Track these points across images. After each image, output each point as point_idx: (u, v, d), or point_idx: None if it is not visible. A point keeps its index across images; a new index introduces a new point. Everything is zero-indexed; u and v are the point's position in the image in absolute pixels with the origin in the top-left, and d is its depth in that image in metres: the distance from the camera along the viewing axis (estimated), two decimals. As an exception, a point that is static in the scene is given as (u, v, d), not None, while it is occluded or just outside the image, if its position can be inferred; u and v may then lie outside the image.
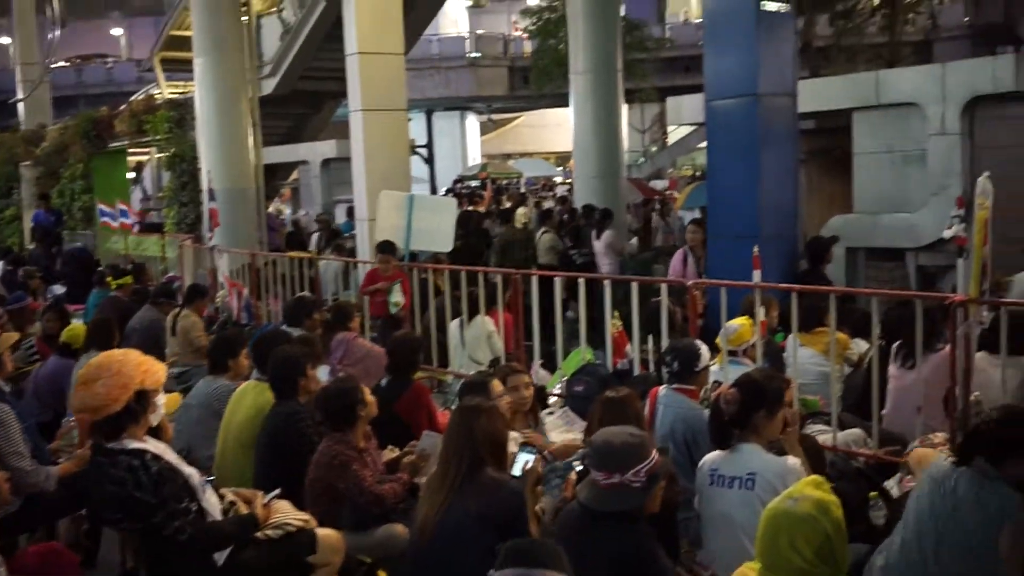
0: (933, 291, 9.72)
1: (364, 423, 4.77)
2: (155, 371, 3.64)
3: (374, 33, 11.26)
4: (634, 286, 6.53)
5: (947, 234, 4.91)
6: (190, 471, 3.64)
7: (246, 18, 15.55)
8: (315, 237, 16.71)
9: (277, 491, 4.27)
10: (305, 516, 4.14)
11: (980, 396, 4.91)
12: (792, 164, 8.49)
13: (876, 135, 10.13)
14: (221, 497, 3.84)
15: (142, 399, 3.59)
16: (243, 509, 3.89)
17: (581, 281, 6.95)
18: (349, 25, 11.32)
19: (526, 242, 14.02)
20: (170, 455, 3.64)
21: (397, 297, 8.66)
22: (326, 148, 19.96)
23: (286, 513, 4.07)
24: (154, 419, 3.68)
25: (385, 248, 9.14)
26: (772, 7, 7.98)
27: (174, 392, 5.14)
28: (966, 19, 35.39)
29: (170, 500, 3.46)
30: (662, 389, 5.10)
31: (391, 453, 5.23)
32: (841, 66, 27.91)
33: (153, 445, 3.63)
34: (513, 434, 4.36)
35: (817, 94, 10.69)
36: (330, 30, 16.76)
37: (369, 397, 4.77)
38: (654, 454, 3.32)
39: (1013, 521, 3.02)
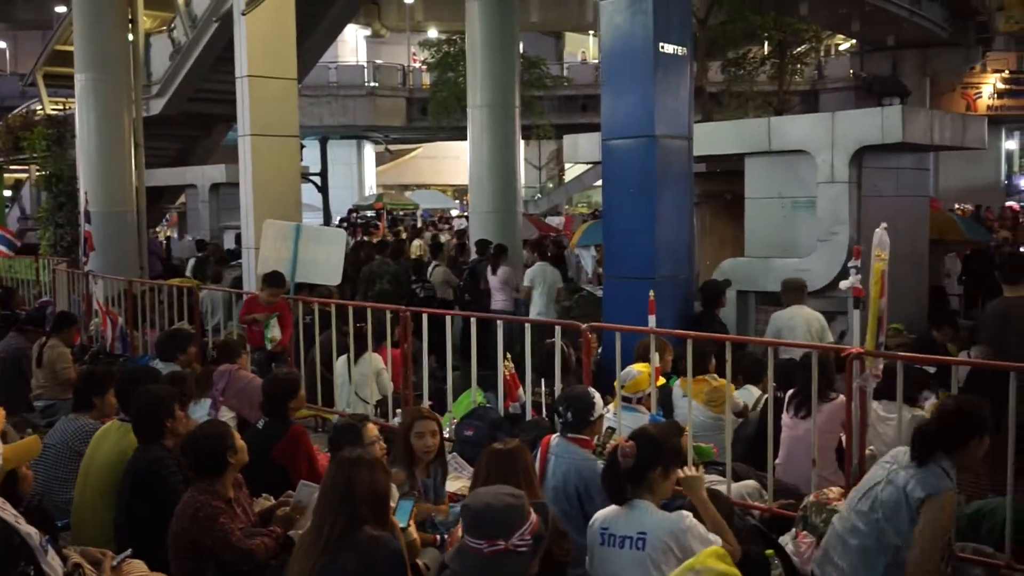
0: (821, 336, 9.86)
1: (234, 471, 4.41)
2: (-11, 419, 3.24)
3: (265, 56, 10.90)
4: (528, 326, 6.34)
5: (844, 285, 4.86)
6: (28, 530, 3.23)
7: (133, 36, 14.95)
8: (191, 263, 16.11)
9: (128, 552, 3.88)
10: (160, 579, 3.77)
11: (875, 451, 4.86)
12: (688, 206, 8.47)
13: (767, 180, 10.23)
14: (64, 559, 3.44)
15: (-27, 450, 3.19)
16: (89, 572, 3.50)
17: (472, 320, 6.72)
18: (240, 46, 10.94)
19: (396, 275, 13.73)
20: (7, 511, 3.24)
21: (274, 332, 8.26)
22: (215, 172, 19.35)
23: (139, 576, 3.69)
24: (-13, 472, 3.28)
25: (272, 281, 8.70)
26: (670, 49, 7.97)
27: (33, 434, 4.68)
28: (851, 71, 36.81)
29: (2, 564, 3.07)
30: (554, 438, 4.89)
31: (266, 502, 4.87)
32: (732, 112, 28.72)
33: (-15, 501, 3.23)
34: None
35: (710, 138, 10.76)
36: (222, 52, 16.32)
37: (240, 443, 4.42)
38: (532, 514, 3.08)
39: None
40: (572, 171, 38.80)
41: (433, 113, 32.34)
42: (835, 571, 3.98)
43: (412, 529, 4.07)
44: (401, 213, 36.79)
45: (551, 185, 45.41)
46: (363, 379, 7.65)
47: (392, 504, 3.91)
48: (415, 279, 13.62)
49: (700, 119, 21.69)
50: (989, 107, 37.19)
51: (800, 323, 8.07)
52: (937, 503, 3.75)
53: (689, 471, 4.03)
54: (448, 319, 6.96)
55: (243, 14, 10.67)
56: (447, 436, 6.47)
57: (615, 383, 5.92)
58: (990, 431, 3.92)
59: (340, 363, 7.86)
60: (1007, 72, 38.95)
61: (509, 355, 6.45)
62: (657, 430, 3.96)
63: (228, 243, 18.46)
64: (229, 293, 10.78)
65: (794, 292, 8.36)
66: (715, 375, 6.41)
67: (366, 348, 7.61)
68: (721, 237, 12.74)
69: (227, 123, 19.99)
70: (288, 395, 5.51)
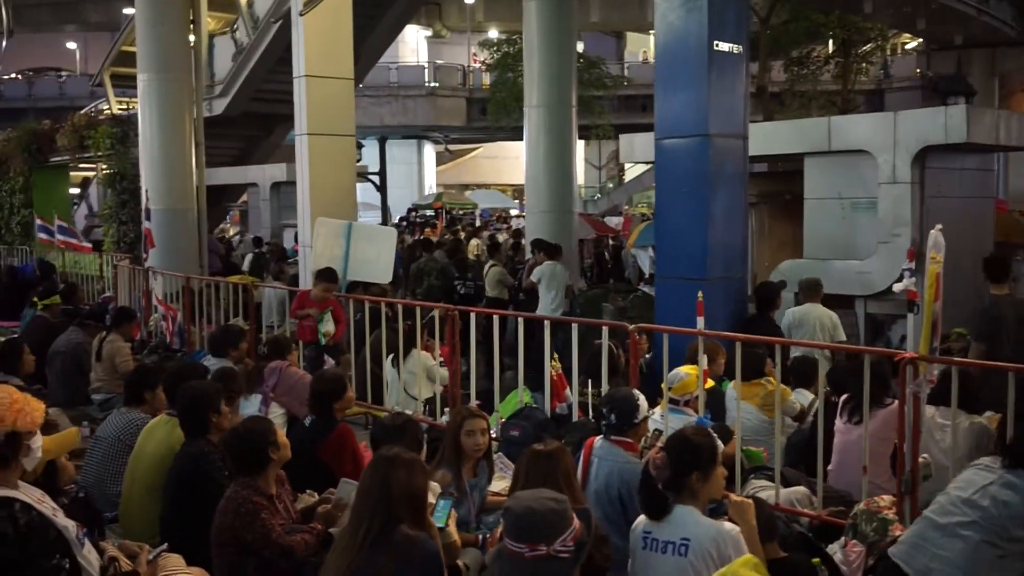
0: (882, 339, 9.64)
1: (276, 467, 4.43)
2: (29, 411, 3.27)
3: (322, 56, 10.97)
4: (575, 327, 6.28)
5: (898, 287, 4.72)
6: (65, 523, 3.26)
7: (195, 37, 15.20)
8: (248, 259, 16.29)
9: (164, 546, 3.91)
10: (196, 572, 3.78)
11: (928, 458, 4.71)
12: (742, 206, 8.33)
13: (827, 181, 10.06)
14: (101, 552, 3.47)
15: (13, 441, 3.22)
16: (125, 566, 3.52)
17: (520, 320, 6.68)
18: (297, 47, 11.03)
19: (442, 271, 13.75)
20: (45, 504, 3.27)
21: (328, 327, 8.28)
22: (275, 171, 19.61)
23: (175, 570, 3.71)
24: (28, 464, 3.31)
25: (326, 276, 8.73)
26: (725, 47, 7.84)
27: (72, 427, 4.76)
28: (918, 70, 36.05)
29: (38, 557, 3.10)
30: (598, 440, 4.83)
31: (309, 498, 4.89)
32: (795, 112, 28.30)
33: (26, 493, 3.26)
34: (432, 484, 4.05)
35: (769, 138, 10.61)
36: (283, 53, 16.49)
37: (283, 439, 4.43)
38: (575, 520, 3.02)
39: None
40: (632, 171, 38.56)
41: (492, 113, 32.41)
42: (933, 561, 3.84)
43: (452, 529, 4.04)
44: (460, 212, 36.90)
45: (611, 185, 45.22)
46: (412, 377, 7.65)
47: (431, 502, 3.89)
48: (457, 276, 13.61)
49: (761, 119, 21.42)
50: (1062, 107, 36.09)
51: (811, 321, 8.05)
52: None
53: (737, 497, 3.94)
54: (496, 319, 6.91)
55: (300, 15, 10.76)
56: (493, 436, 6.46)
57: (662, 385, 5.84)
58: None
59: (389, 361, 7.88)
60: (1083, 70, 37.82)
61: (556, 355, 6.40)
62: (692, 433, 3.87)
63: (287, 241, 18.69)
64: (285, 290, 10.89)
65: (810, 291, 8.37)
66: (771, 378, 6.30)
67: (415, 345, 7.61)
68: (780, 238, 12.56)
69: (288, 123, 20.09)
70: (335, 395, 5.52)
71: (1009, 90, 34.57)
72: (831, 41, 31.83)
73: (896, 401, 4.86)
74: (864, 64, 32.37)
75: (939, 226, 4.45)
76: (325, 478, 5.12)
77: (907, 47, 40.37)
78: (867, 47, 31.70)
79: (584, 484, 4.66)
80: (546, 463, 3.98)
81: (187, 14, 14.87)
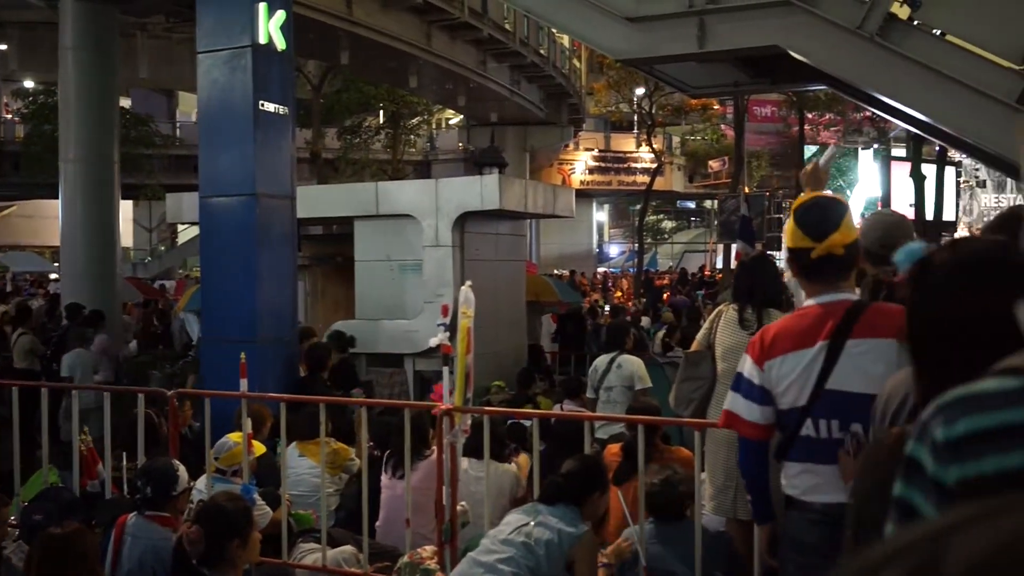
0: (429, 396, 10.05)
1: None
2: None
3: None
4: (107, 396, 5.79)
5: (432, 342, 4.92)
6: None
7: None
8: None
9: None
10: None
11: (466, 506, 4.92)
12: (291, 266, 8.31)
13: (376, 244, 10.38)
14: None
15: None
16: None
17: (44, 391, 6.03)
18: None
19: None
20: None
21: None
22: None
23: None
24: None
25: None
26: (271, 108, 7.83)
27: None
28: (460, 144, 38.86)
29: None
30: (131, 517, 4.44)
31: None
32: (349, 178, 29.17)
33: None
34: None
35: (320, 201, 10.78)
36: None
37: None
38: None
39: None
40: (186, 233, 37.18)
41: (27, 168, 29.69)
42: None
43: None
44: (-10, 277, 33.04)
45: (163, 248, 43.21)
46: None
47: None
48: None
49: (316, 183, 21.75)
50: (582, 182, 40.80)
51: None
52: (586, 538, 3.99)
53: None
54: (15, 391, 6.17)
55: None
56: (14, 523, 5.72)
57: (210, 453, 5.55)
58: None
59: None
60: (596, 151, 43.15)
61: (87, 428, 5.84)
62: (223, 500, 3.70)
63: None
64: None
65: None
66: (332, 439, 6.28)
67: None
68: (334, 299, 12.70)
69: None
70: None
71: (539, 164, 38.41)
72: (382, 112, 33.36)
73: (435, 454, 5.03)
74: (412, 136, 34.33)
75: (469, 283, 4.71)
76: None
77: (451, 122, 43.39)
78: (415, 120, 33.64)
79: (116, 565, 4.26)
80: (61, 546, 3.57)
81: None
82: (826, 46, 9.40)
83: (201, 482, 5.47)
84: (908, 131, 18.17)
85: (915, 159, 21.30)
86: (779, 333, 3.08)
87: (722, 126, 39.94)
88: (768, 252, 11.80)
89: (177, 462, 4.67)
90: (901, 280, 1.57)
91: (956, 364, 1.34)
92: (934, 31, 8.54)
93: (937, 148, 18.72)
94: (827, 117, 36.77)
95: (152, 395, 6.08)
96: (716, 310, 5.01)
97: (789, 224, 3.12)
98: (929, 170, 20.20)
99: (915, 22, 8.29)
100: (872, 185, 27.51)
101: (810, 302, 3.08)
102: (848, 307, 2.92)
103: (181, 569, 3.58)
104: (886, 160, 26.53)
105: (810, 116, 34.13)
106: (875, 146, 36.67)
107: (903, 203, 21.01)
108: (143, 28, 24.52)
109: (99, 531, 4.76)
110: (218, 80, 7.88)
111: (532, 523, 4.08)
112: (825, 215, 3.06)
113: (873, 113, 20.48)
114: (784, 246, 3.22)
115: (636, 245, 29.62)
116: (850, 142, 42.09)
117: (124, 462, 5.82)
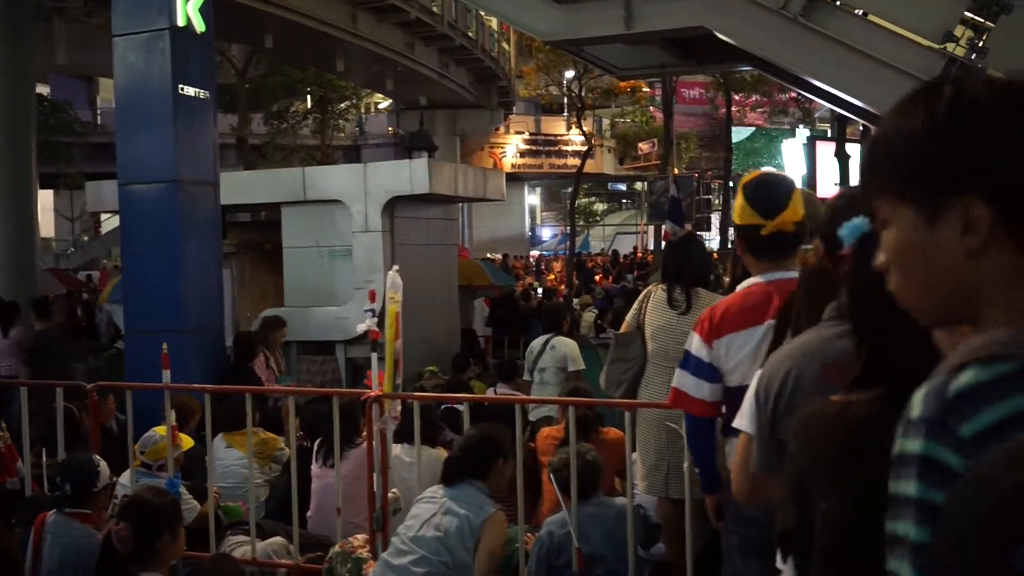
0: (363, 382, 9.96)
1: None
2: None
3: None
4: (23, 390, 5.62)
5: (360, 328, 4.84)
6: None
7: None
8: None
9: None
10: None
11: (398, 493, 4.87)
12: (216, 254, 8.13)
13: (305, 230, 10.21)
14: None
15: None
16: None
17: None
18: None
19: None
20: None
21: None
22: None
23: None
24: None
25: None
26: (191, 92, 7.63)
27: None
28: (390, 128, 38.53)
29: None
30: (51, 515, 4.31)
31: None
32: (277, 163, 28.70)
33: None
34: None
35: (246, 187, 10.58)
36: None
37: None
38: None
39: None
40: (111, 222, 36.30)
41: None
42: None
43: None
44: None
45: (86, 238, 42.14)
46: None
47: None
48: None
49: (243, 170, 21.36)
50: (513, 165, 40.80)
51: None
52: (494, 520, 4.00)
53: None
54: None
55: None
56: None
57: (136, 447, 5.41)
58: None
59: None
60: (527, 134, 43.14)
61: (5, 424, 5.65)
62: (148, 495, 3.60)
63: None
64: None
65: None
66: (261, 428, 6.19)
67: None
68: (262, 287, 12.48)
69: None
70: None
71: (469, 148, 38.25)
72: (309, 97, 32.88)
73: (365, 442, 4.97)
74: (341, 120, 33.91)
75: (396, 267, 4.64)
76: None
77: (380, 106, 42.97)
78: (343, 104, 33.22)
79: (36, 565, 4.14)
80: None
81: None
82: (751, 27, 9.51)
83: (125, 477, 5.35)
84: (833, 111, 18.52)
85: (840, 139, 21.68)
86: (728, 311, 3.09)
87: (651, 108, 40.18)
88: (697, 232, 11.92)
89: (98, 457, 4.54)
90: (846, 254, 1.57)
91: (899, 334, 1.34)
92: (856, 11, 8.68)
93: (861, 128, 19.07)
94: (753, 99, 37.31)
95: (72, 389, 5.90)
96: (645, 291, 5.03)
97: (739, 201, 3.12)
98: (854, 149, 20.55)
99: (838, 2, 8.41)
100: (797, 165, 27.96)
101: (757, 279, 3.09)
102: (794, 288, 2.94)
103: (110, 567, 3.47)
104: (811, 140, 26.99)
105: (737, 98, 34.57)
106: (800, 127, 37.34)
107: (828, 183, 21.34)
108: (59, 12, 23.68)
109: (19, 530, 4.61)
110: (135, 64, 7.66)
111: (439, 513, 4.04)
112: (775, 192, 3.07)
113: (798, 94, 20.82)
114: (733, 223, 3.21)
115: (568, 228, 29.68)
116: (776, 123, 42.81)
117: (44, 458, 5.64)
